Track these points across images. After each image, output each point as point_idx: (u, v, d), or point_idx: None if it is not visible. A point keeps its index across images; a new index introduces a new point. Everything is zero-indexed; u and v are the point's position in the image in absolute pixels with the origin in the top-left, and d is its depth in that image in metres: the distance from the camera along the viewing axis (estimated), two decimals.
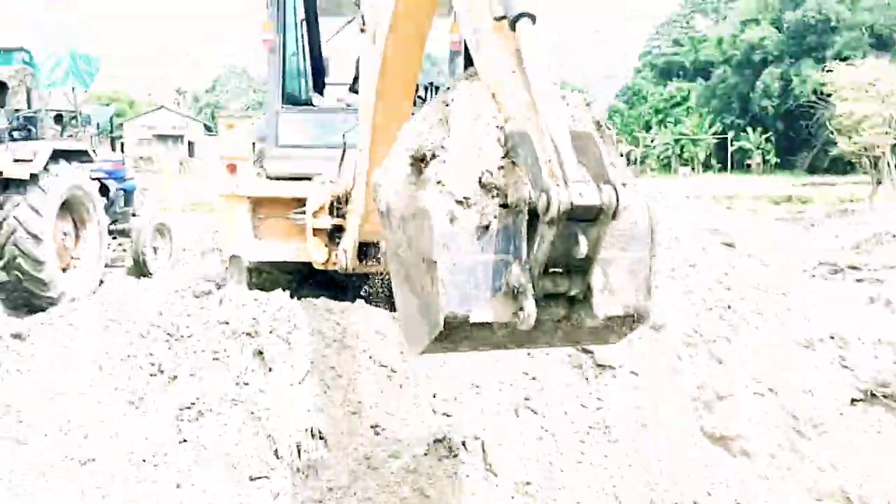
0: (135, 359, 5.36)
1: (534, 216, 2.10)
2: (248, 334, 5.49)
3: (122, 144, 13.65)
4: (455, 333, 2.22)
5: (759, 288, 7.02)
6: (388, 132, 3.64)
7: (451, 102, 2.34)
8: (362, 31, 4.34)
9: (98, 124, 11.80)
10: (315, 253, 6.89)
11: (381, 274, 6.93)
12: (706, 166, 65.17)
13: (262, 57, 7.79)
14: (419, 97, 7.01)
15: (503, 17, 2.34)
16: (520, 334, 2.29)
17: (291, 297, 6.07)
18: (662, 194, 13.19)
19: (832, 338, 6.15)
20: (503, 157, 2.23)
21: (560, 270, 2.15)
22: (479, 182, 2.20)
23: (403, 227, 2.35)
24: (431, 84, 8.00)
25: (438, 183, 2.20)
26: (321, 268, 6.99)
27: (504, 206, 2.19)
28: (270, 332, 5.51)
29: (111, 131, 13.65)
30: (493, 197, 2.20)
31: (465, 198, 2.19)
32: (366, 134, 4.67)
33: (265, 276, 7.99)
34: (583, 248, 2.05)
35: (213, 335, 5.51)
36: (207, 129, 69.57)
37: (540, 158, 2.07)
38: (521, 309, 2.13)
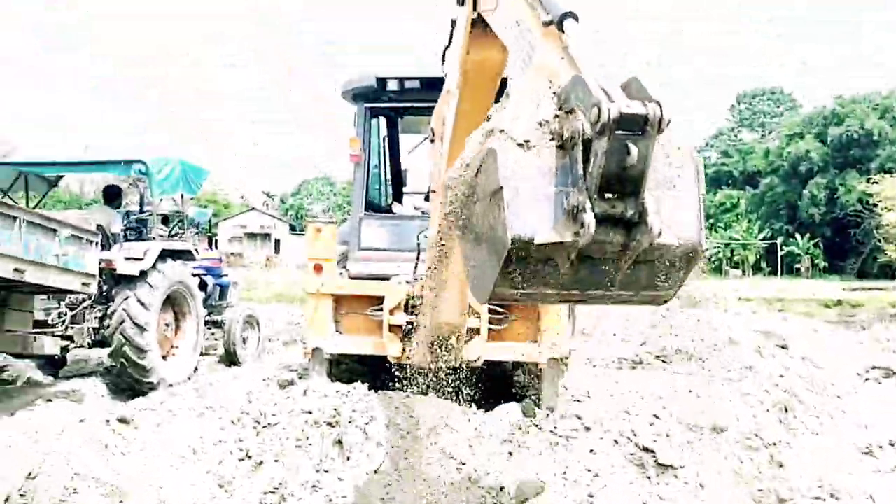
0: (225, 444, 5.42)
1: (587, 147, 2.21)
2: (329, 424, 5.51)
3: (217, 241, 14.11)
4: (521, 262, 2.27)
5: (814, 390, 6.76)
6: None
7: (510, 87, 2.46)
8: (432, 140, 4.60)
9: (198, 224, 12.27)
10: (391, 347, 6.95)
11: (450, 368, 6.94)
12: (756, 269, 63.73)
13: (344, 165, 8.09)
14: None
15: (550, 22, 2.56)
16: (583, 277, 2.34)
17: (370, 389, 6.10)
18: (716, 297, 12.91)
19: (892, 444, 5.83)
20: (558, 110, 2.35)
21: (614, 196, 2.22)
22: (538, 126, 2.33)
23: (471, 184, 2.46)
24: None
25: (501, 131, 2.33)
26: (395, 361, 7.03)
27: (560, 147, 2.31)
28: (350, 422, 5.52)
29: (209, 230, 14.14)
30: (550, 140, 2.32)
31: (525, 140, 2.31)
32: (434, 231, 4.81)
33: (344, 368, 8.05)
34: (633, 157, 2.13)
35: (297, 423, 5.55)
36: (292, 228, 71.56)
37: (591, 89, 2.18)
38: (582, 226, 2.18)
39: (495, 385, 7.38)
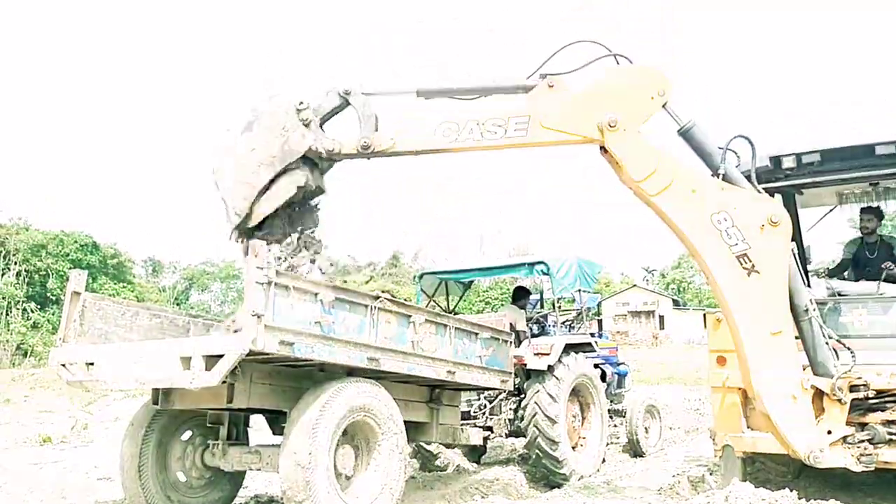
0: None
1: None
2: None
3: (601, 321, 14.31)
4: None
5: None
6: None
7: None
8: None
9: (588, 309, 12.65)
10: None
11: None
12: None
13: None
14: None
15: None
16: None
17: (800, 497, 5.56)
18: None
19: None
20: None
21: None
22: None
23: None
24: None
25: None
26: (817, 464, 6.35)
27: None
28: None
29: (598, 314, 14.48)
30: None
31: None
32: None
33: (759, 467, 7.50)
34: None
35: None
36: (675, 303, 69.87)
37: None
38: None
39: None
